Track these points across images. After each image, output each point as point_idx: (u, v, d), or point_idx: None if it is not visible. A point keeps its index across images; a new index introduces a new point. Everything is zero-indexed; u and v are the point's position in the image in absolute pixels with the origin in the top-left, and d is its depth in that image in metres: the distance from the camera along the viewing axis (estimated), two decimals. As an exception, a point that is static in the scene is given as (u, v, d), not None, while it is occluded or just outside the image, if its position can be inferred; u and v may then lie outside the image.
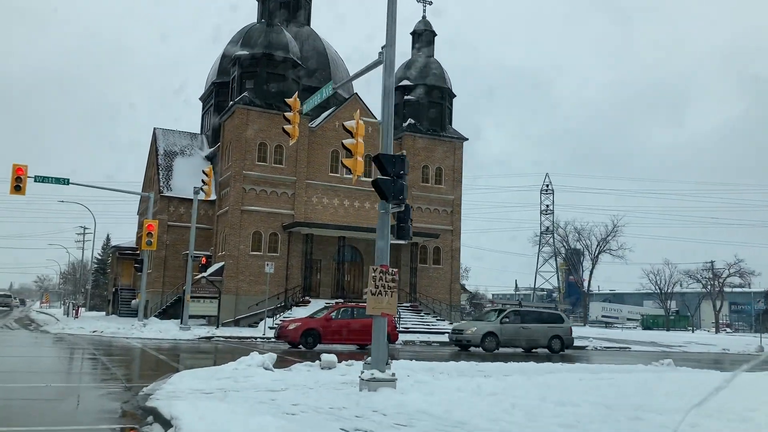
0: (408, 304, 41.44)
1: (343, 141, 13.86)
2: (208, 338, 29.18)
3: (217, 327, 34.83)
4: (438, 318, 41.30)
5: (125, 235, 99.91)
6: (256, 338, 30.17)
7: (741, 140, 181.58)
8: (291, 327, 24.86)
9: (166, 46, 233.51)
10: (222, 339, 29.23)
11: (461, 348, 26.85)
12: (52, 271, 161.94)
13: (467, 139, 45.91)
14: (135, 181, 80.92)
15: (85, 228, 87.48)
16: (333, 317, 25.57)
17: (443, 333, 38.11)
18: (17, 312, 74.01)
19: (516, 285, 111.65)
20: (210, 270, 39.11)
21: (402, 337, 33.80)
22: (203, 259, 33.24)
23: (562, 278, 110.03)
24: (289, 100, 19.21)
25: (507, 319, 27.02)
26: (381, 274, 10.99)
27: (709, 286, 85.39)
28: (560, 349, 27.50)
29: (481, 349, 25.98)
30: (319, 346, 24.25)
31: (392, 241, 13.86)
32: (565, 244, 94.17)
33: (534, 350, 27.74)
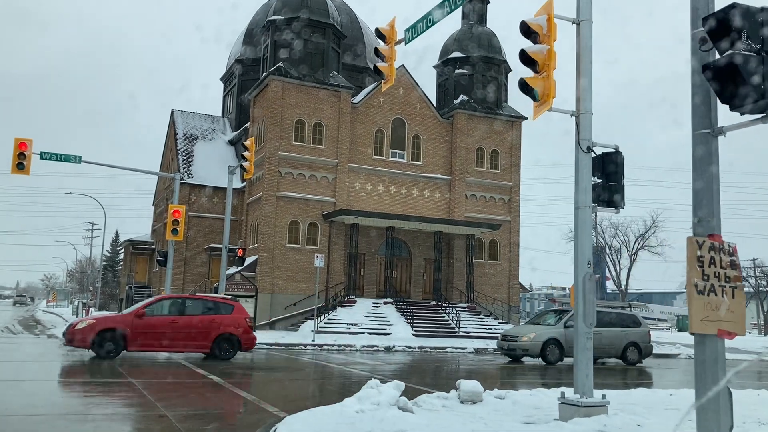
0: (465, 305, 36.34)
1: (526, 49, 8.75)
2: (250, 345, 24.15)
3: (254, 331, 29.78)
4: (500, 321, 36.21)
5: (134, 231, 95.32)
6: (305, 345, 25.18)
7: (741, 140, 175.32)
8: (80, 326, 17.36)
9: (172, 40, 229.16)
10: (266, 346, 24.25)
11: (513, 359, 22.30)
12: (59, 268, 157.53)
13: (526, 118, 40.75)
14: (148, 178, 76.10)
15: (93, 224, 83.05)
16: (147, 313, 17.73)
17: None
18: (23, 311, 69.32)
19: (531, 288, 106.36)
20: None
21: (459, 343, 28.77)
22: (239, 250, 28.21)
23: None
24: (383, 28, 14.23)
25: (572, 323, 21.55)
26: (713, 254, 5.70)
27: (755, 285, 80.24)
28: (638, 360, 22.77)
29: (540, 360, 21.49)
30: (125, 354, 17.38)
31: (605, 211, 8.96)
32: (594, 240, 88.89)
33: (603, 362, 22.70)
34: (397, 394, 9.22)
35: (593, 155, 9.09)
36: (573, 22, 9.13)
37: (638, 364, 22.66)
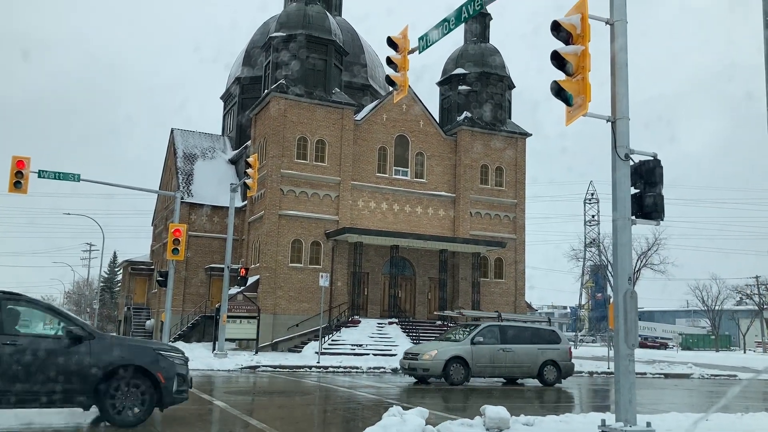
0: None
1: (560, 50, 8.20)
2: (253, 368, 23.43)
3: (256, 352, 29.04)
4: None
5: (133, 251, 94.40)
6: (310, 368, 24.39)
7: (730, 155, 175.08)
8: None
9: (168, 58, 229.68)
10: (270, 369, 23.49)
11: (418, 380, 19.89)
12: (56, 290, 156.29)
13: (530, 135, 40.33)
14: (149, 196, 75.57)
15: (91, 244, 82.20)
16: None
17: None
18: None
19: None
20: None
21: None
22: (242, 270, 27.51)
23: (587, 296, 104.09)
24: (395, 37, 13.76)
25: (481, 339, 19.66)
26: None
27: (758, 302, 79.38)
28: (555, 380, 20.30)
29: (444, 380, 19.06)
30: None
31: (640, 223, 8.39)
32: (598, 258, 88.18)
33: (518, 381, 20.87)
34: (422, 423, 8.56)
35: (631, 163, 8.52)
36: (606, 23, 8.61)
37: (557, 385, 20.27)
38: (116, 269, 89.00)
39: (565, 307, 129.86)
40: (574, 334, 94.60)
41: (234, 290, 31.62)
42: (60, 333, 9.06)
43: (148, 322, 46.10)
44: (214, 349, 27.10)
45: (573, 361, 21.55)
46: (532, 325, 22.31)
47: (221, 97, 53.14)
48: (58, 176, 26.88)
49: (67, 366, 8.72)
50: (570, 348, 21.48)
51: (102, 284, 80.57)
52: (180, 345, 30.32)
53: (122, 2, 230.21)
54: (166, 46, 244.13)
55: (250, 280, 33.80)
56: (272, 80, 36.02)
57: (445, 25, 12.27)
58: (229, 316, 27.86)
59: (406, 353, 20.67)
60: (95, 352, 8.94)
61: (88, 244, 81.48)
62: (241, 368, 23.25)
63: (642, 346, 76.95)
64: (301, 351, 30.93)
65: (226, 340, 28.02)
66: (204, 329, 37.39)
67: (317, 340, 29.11)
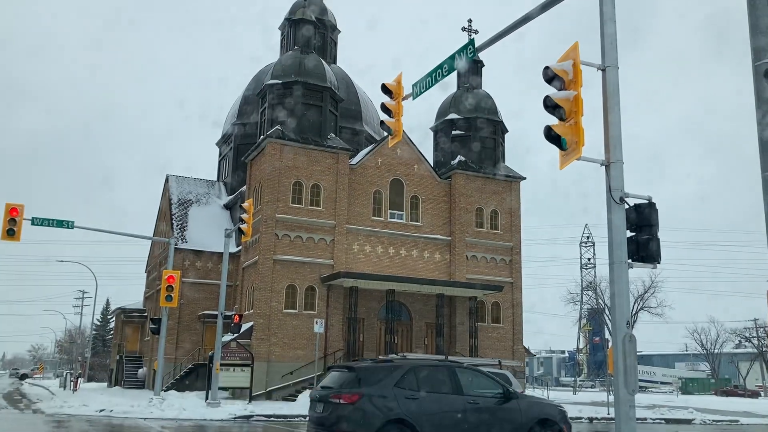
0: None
1: (552, 95, 8.26)
2: (247, 418, 22.94)
3: (249, 401, 28.46)
4: (505, 386, 34.86)
5: (126, 299, 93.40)
6: (305, 417, 23.81)
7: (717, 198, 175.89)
8: None
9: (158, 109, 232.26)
10: (264, 418, 22.99)
11: None
12: (47, 339, 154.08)
13: (524, 178, 40.51)
14: (142, 243, 75.22)
15: (84, 292, 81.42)
16: None
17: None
18: (7, 383, 66.94)
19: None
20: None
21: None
22: (236, 317, 27.19)
23: (585, 340, 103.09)
24: (389, 84, 13.93)
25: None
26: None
27: (758, 345, 78.65)
28: None
29: None
30: None
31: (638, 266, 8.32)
32: (595, 302, 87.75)
33: None
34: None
35: (626, 207, 8.49)
36: (598, 68, 8.70)
37: None
38: (109, 317, 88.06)
39: (563, 352, 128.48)
40: (573, 379, 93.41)
41: (228, 337, 31.18)
42: (498, 393, 12.44)
43: (140, 371, 45.35)
44: (207, 398, 26.54)
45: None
46: (480, 369, 20.95)
47: (217, 143, 53.49)
48: (52, 223, 26.80)
49: (508, 417, 12.12)
50: (522, 392, 19.40)
51: (94, 332, 79.52)
52: (172, 395, 29.77)
53: (117, 51, 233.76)
54: (161, 93, 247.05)
55: (244, 326, 33.41)
56: (268, 126, 36.30)
57: (438, 72, 12.43)
58: (222, 364, 27.39)
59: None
60: (522, 407, 12.37)
61: (80, 291, 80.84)
62: (235, 418, 22.76)
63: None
64: (295, 399, 30.28)
65: (220, 388, 27.45)
66: (197, 377, 36.73)
67: (312, 388, 28.53)
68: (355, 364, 13.73)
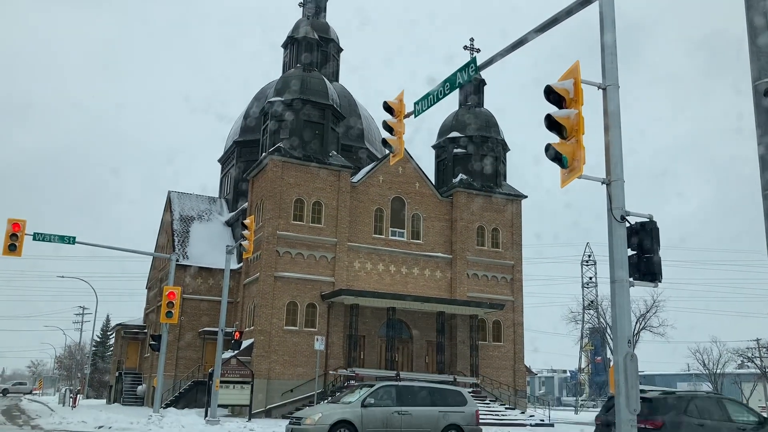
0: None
1: (553, 114, 8.34)
2: (246, 436, 22.77)
3: (249, 419, 28.29)
4: (506, 406, 34.67)
5: (126, 315, 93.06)
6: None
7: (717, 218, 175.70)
8: None
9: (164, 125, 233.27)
10: (263, 436, 22.82)
11: None
12: (47, 354, 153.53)
13: (526, 197, 40.60)
14: (143, 259, 75.23)
15: (84, 308, 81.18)
16: None
17: (522, 425, 31.70)
18: (7, 399, 66.53)
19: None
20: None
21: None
22: (236, 333, 27.11)
23: (586, 359, 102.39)
24: (391, 102, 14.03)
25: (373, 400, 17.84)
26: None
27: (760, 366, 78.15)
28: None
29: None
30: None
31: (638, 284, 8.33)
32: (597, 320, 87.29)
33: None
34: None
35: (627, 225, 8.51)
36: (599, 87, 8.75)
37: None
38: (109, 333, 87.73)
39: (565, 371, 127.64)
40: (574, 398, 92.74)
41: (228, 354, 31.08)
42: (752, 419, 13.97)
43: (139, 388, 45.10)
44: (206, 416, 26.37)
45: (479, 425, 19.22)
46: (433, 386, 20.27)
47: (219, 160, 53.63)
48: (54, 239, 26.80)
49: None
50: (477, 411, 19.32)
51: (94, 348, 79.18)
52: (171, 412, 29.61)
53: (119, 67, 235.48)
54: (164, 110, 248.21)
55: (245, 343, 33.31)
56: (270, 143, 36.46)
57: (440, 90, 12.52)
58: (222, 381, 27.25)
59: (292, 419, 18.77)
60: None
61: (80, 307, 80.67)
62: (234, 436, 22.60)
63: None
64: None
65: (219, 405, 27.28)
66: (196, 395, 36.52)
67: (312, 406, 28.33)
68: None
